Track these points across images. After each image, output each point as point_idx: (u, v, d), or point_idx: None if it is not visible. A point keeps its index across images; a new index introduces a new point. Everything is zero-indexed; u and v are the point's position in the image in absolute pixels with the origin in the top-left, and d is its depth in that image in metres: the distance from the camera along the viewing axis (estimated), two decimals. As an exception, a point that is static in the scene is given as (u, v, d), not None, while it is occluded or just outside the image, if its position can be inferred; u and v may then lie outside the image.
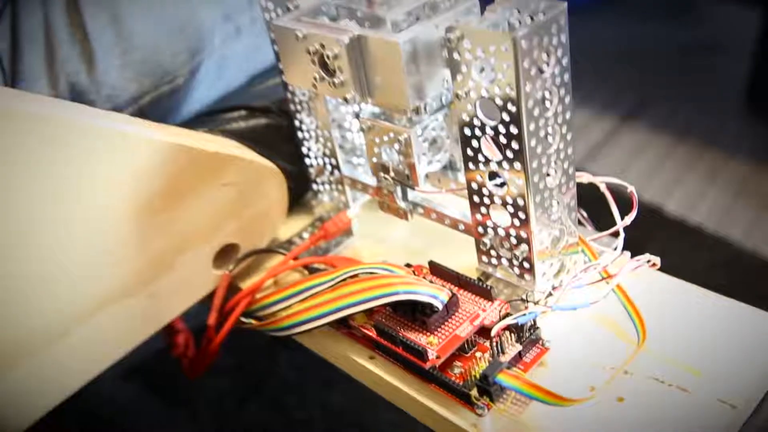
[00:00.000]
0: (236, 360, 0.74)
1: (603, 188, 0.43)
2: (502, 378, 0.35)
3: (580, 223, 0.46)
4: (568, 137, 0.38)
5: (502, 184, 0.38)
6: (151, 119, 0.43)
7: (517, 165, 0.36)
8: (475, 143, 0.38)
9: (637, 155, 1.11)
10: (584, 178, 0.43)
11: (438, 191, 0.45)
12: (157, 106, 0.51)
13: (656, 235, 0.92)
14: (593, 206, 0.45)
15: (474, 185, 0.40)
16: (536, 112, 0.35)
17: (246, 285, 0.48)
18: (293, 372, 0.74)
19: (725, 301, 0.40)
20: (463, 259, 0.44)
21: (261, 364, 0.75)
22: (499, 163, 0.37)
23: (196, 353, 0.51)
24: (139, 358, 0.72)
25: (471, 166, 0.39)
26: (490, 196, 0.39)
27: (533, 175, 0.37)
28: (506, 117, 0.35)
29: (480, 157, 0.38)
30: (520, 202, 0.38)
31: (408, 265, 0.43)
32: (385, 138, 0.43)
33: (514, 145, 0.36)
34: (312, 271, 0.47)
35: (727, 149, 1.11)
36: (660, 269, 0.42)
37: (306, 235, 0.51)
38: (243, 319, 0.46)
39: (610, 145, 1.13)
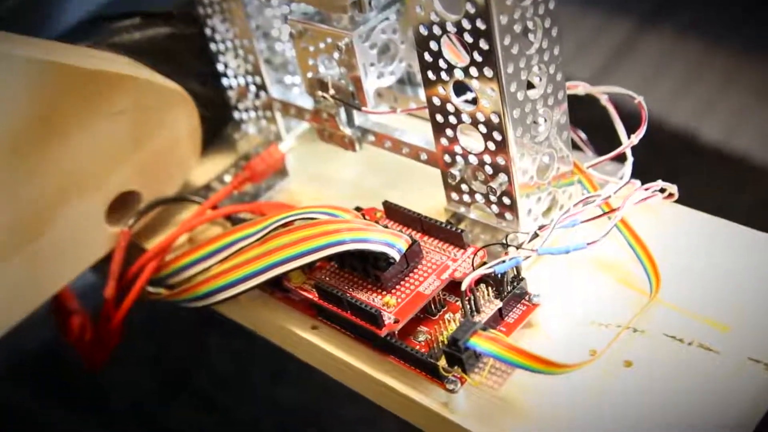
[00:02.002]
0: (155, 347, 0.74)
1: (604, 100, 0.43)
2: (476, 341, 0.35)
3: (577, 147, 0.46)
4: (553, 33, 0.37)
5: (474, 101, 0.38)
6: (14, 31, 0.42)
7: (488, 71, 0.36)
8: (434, 45, 0.37)
9: (662, 69, 1.11)
10: (580, 88, 0.43)
11: (391, 112, 0.45)
12: (22, 15, 0.50)
13: (689, 168, 0.93)
14: (597, 127, 0.45)
15: (436, 101, 0.39)
16: (509, -1, 0.35)
17: (152, 244, 0.48)
18: (230, 360, 0.74)
19: (761, 236, 0.41)
20: (429, 199, 0.44)
21: (187, 352, 0.75)
22: (466, 70, 0.37)
23: (93, 336, 0.51)
24: (26, 351, 0.72)
25: (431, 76, 0.39)
26: (457, 114, 0.39)
27: (509, 83, 0.36)
28: (471, 8, 0.35)
29: (441, 64, 0.38)
30: (495, 119, 0.38)
31: (358, 209, 0.43)
32: (322, 45, 0.43)
33: (483, 44, 0.36)
34: (236, 222, 0.47)
35: (776, 59, 1.12)
36: (692, 208, 0.42)
37: (227, 178, 0.51)
38: (150, 289, 0.47)
39: (628, 57, 1.13)
